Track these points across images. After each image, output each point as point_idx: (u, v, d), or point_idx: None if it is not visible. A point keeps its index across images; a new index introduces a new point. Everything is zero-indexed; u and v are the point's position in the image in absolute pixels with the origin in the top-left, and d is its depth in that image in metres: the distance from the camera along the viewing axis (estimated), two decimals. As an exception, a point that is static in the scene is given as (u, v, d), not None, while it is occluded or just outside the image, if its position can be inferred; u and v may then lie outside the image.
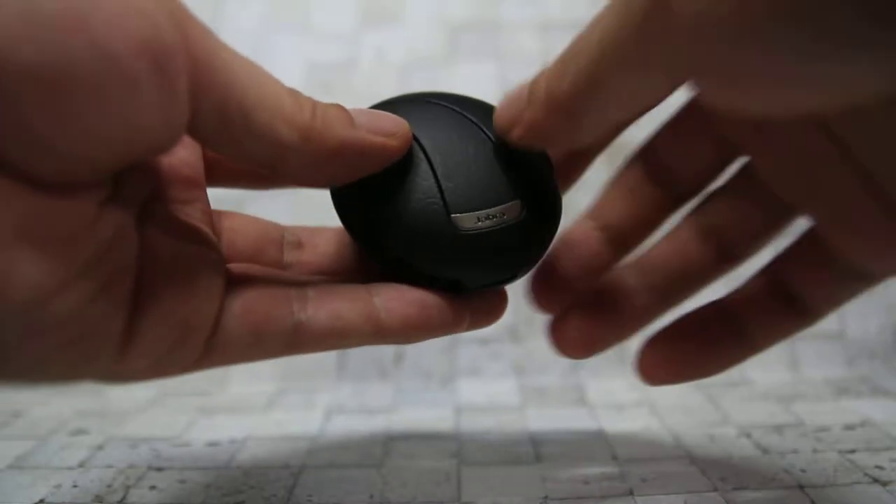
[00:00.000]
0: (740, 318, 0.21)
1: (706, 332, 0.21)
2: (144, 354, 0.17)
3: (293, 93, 0.17)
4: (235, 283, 0.19)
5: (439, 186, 0.19)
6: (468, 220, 0.19)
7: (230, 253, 0.22)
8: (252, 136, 0.16)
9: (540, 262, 0.21)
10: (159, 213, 0.18)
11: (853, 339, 0.39)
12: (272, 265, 0.22)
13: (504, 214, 0.19)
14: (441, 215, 0.19)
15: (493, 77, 0.46)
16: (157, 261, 0.17)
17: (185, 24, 0.14)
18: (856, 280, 0.19)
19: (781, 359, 0.38)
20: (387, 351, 0.39)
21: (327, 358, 0.39)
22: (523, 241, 0.20)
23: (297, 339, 0.19)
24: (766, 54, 0.12)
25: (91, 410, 0.34)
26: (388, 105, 0.21)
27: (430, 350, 0.39)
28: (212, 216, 0.21)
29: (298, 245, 0.23)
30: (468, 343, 0.39)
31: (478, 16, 0.48)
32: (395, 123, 0.19)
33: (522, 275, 0.21)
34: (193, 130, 0.16)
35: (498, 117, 0.19)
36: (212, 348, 0.18)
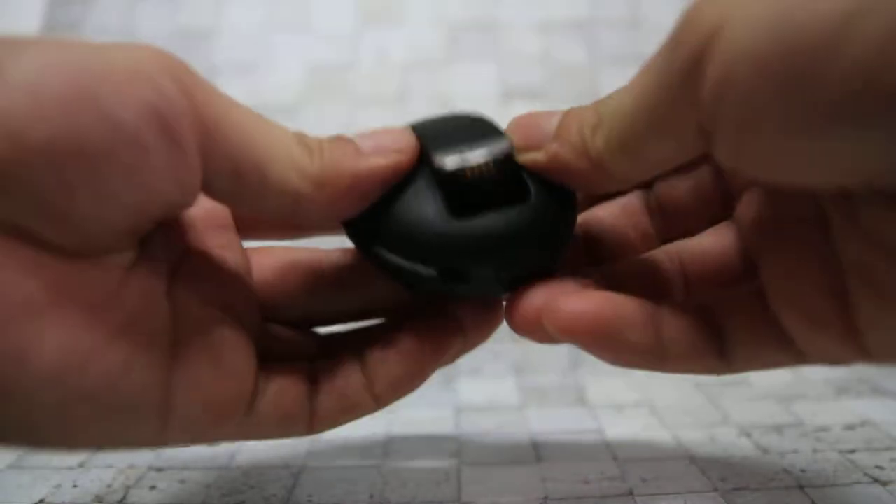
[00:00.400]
0: (660, 325, 0.18)
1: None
2: (182, 423, 0.17)
3: (300, 139, 0.17)
4: (265, 352, 0.20)
5: (428, 154, 0.18)
6: (451, 161, 0.18)
7: (265, 295, 0.22)
8: (266, 190, 0.16)
9: (559, 246, 0.19)
10: (193, 269, 0.18)
11: (853, 339, 0.39)
12: (299, 307, 0.22)
13: (493, 154, 0.18)
14: (443, 212, 0.18)
15: (493, 77, 0.46)
16: (192, 323, 0.17)
17: (192, 87, 0.15)
18: (782, 349, 0.17)
19: (781, 359, 0.38)
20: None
21: (327, 358, 0.39)
22: (530, 212, 0.18)
23: (316, 421, 0.20)
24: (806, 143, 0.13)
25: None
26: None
27: (430, 350, 0.39)
28: (248, 259, 0.21)
29: (329, 282, 0.23)
30: (468, 343, 0.39)
31: (478, 16, 0.48)
32: (400, 137, 0.19)
33: (541, 260, 0.19)
34: (207, 189, 0.16)
35: (515, 130, 0.19)
36: (243, 423, 0.19)
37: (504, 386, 0.37)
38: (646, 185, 0.22)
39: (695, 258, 0.20)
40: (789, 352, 0.17)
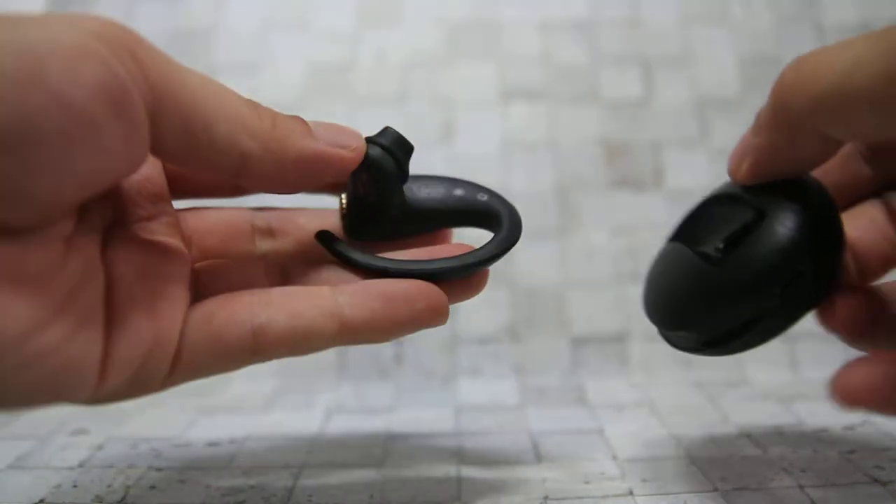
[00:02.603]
0: None
1: None
2: (119, 377, 0.17)
3: (252, 104, 0.18)
4: (200, 294, 0.20)
5: None
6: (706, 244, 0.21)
7: (199, 254, 0.22)
8: (215, 148, 0.17)
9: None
10: (123, 237, 0.18)
11: (853, 339, 0.39)
12: (243, 259, 0.22)
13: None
14: None
15: (493, 77, 0.46)
16: (124, 285, 0.17)
17: (140, 55, 0.15)
18: None
19: (781, 359, 0.38)
20: (387, 351, 0.39)
21: (327, 358, 0.39)
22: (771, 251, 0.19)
23: (260, 344, 0.19)
24: None
25: (91, 410, 0.34)
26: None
27: (430, 350, 0.39)
28: (179, 225, 0.21)
29: (269, 232, 0.23)
30: (468, 343, 0.39)
31: (478, 16, 0.48)
32: (352, 137, 0.20)
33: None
34: (157, 151, 0.16)
35: (730, 162, 0.21)
36: (179, 362, 0.18)
37: (504, 386, 0.37)
38: (877, 195, 0.22)
39: None
40: None
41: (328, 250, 0.22)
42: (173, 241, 0.20)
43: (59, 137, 0.14)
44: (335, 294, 0.19)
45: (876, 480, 0.24)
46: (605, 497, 0.24)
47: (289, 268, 0.22)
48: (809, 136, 0.18)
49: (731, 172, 0.21)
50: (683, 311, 0.21)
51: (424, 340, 0.39)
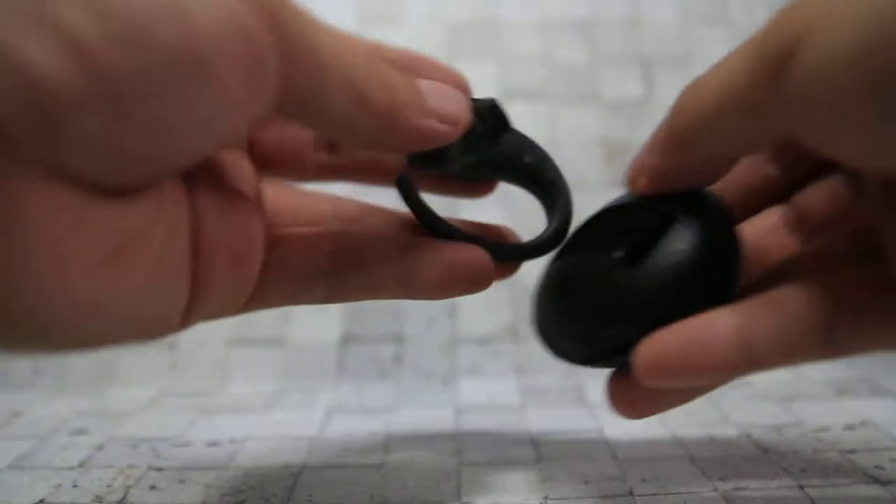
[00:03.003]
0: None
1: None
2: (197, 320, 0.18)
3: (376, 69, 0.17)
4: (275, 242, 0.20)
5: None
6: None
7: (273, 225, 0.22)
8: (327, 117, 0.16)
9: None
10: (207, 183, 0.18)
11: (853, 339, 0.39)
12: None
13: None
14: None
15: (493, 77, 0.46)
16: (207, 232, 0.17)
17: (281, 20, 0.14)
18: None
19: (781, 359, 0.38)
20: (387, 351, 0.39)
21: (327, 358, 0.39)
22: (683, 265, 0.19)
23: (332, 291, 0.20)
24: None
25: (91, 410, 0.34)
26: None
27: (430, 350, 0.39)
28: (258, 183, 0.21)
29: (349, 221, 0.23)
30: (468, 343, 0.39)
31: (478, 16, 0.48)
32: (461, 108, 0.19)
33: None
34: (277, 112, 0.16)
35: (628, 174, 0.21)
36: (254, 299, 0.20)
37: (504, 386, 0.37)
38: (781, 200, 0.23)
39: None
40: (829, 348, 0.17)
41: (403, 197, 0.21)
42: (253, 194, 0.20)
43: (195, 109, 0.13)
44: (404, 253, 0.20)
45: (876, 480, 0.24)
46: (604, 497, 0.24)
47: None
48: (699, 156, 0.19)
49: (630, 183, 0.21)
50: (585, 319, 0.20)
51: (424, 340, 0.39)
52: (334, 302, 0.21)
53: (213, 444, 0.30)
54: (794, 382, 0.37)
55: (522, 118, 0.45)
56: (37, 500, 0.24)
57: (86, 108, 0.12)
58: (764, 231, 0.23)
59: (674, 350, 0.18)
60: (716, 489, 0.24)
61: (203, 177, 0.18)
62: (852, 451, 0.27)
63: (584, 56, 0.47)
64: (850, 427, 0.30)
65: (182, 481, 0.26)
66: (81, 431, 0.31)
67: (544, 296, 0.22)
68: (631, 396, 0.20)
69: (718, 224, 0.20)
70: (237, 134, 0.15)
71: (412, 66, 0.22)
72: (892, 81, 0.13)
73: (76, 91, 0.12)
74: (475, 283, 0.21)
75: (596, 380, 0.37)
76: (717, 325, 0.18)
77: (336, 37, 0.16)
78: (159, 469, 0.27)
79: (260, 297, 0.20)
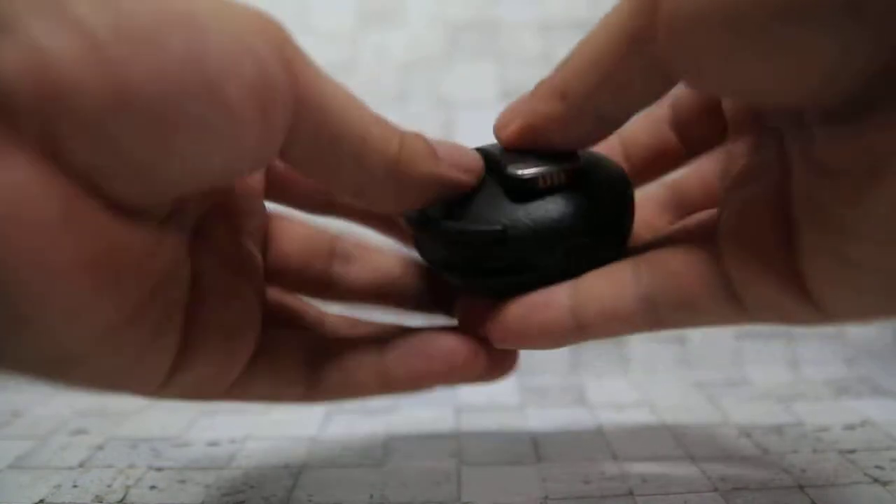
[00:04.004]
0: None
1: None
2: (181, 388, 0.17)
3: (382, 124, 0.17)
4: (266, 323, 0.20)
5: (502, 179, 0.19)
6: (524, 170, 0.18)
7: (272, 262, 0.22)
8: (341, 167, 0.16)
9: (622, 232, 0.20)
10: (213, 233, 0.18)
11: (853, 339, 0.39)
12: (316, 280, 0.23)
13: (563, 166, 0.19)
14: (492, 171, 0.19)
15: (493, 77, 0.46)
16: (206, 293, 0.17)
17: (291, 58, 0.15)
18: (728, 303, 0.17)
19: (781, 359, 0.38)
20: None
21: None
22: (592, 201, 0.19)
23: (311, 393, 0.20)
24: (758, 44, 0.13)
25: (91, 410, 0.34)
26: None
27: (430, 350, 0.39)
28: (267, 228, 0.21)
29: (348, 259, 0.23)
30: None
31: (478, 16, 0.48)
32: (474, 159, 0.19)
33: (574, 248, 0.19)
34: (284, 157, 0.16)
35: (498, 119, 0.19)
36: (238, 385, 0.19)
37: (504, 386, 0.37)
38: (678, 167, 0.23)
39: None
40: (733, 306, 0.17)
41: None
42: (256, 252, 0.20)
43: (201, 128, 0.13)
44: (382, 350, 0.20)
45: (876, 480, 0.24)
46: (604, 497, 0.24)
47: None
48: (581, 107, 0.17)
49: (498, 129, 0.19)
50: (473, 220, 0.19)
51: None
52: (313, 401, 0.20)
53: (213, 444, 0.30)
54: (794, 382, 0.37)
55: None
56: (37, 500, 0.24)
57: (91, 98, 0.12)
58: (651, 121, 0.23)
59: (513, 318, 0.19)
60: (716, 489, 0.24)
61: (212, 243, 0.18)
62: (852, 451, 0.27)
63: (584, 56, 0.47)
64: (850, 427, 0.30)
65: (182, 481, 0.26)
66: (81, 431, 0.31)
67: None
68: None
69: (621, 187, 0.20)
70: (241, 167, 0.15)
71: None
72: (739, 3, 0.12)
73: (85, 80, 0.12)
74: (458, 372, 0.20)
75: (596, 380, 0.37)
76: (555, 294, 0.19)
77: (344, 90, 0.16)
78: (159, 469, 0.27)
79: (243, 386, 0.19)
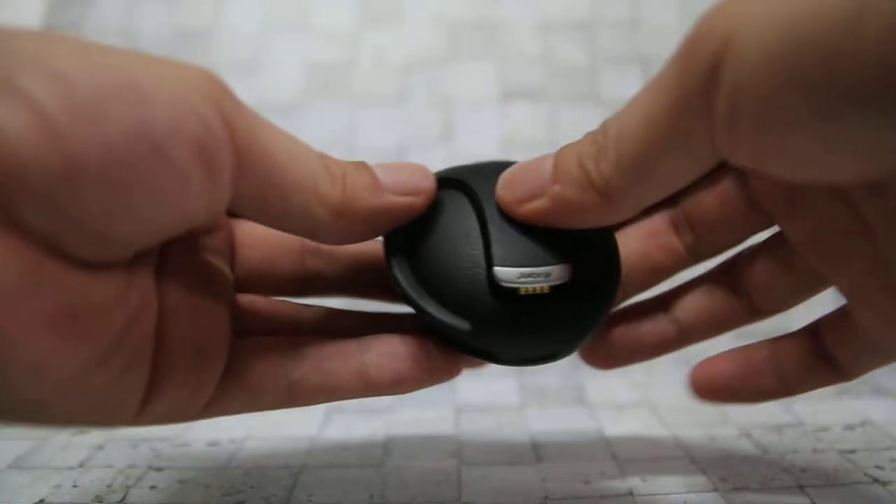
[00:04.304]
0: (782, 364, 0.21)
1: (752, 369, 0.22)
2: (155, 415, 0.18)
3: (325, 165, 0.17)
4: (237, 333, 0.20)
5: (487, 244, 0.19)
6: (508, 275, 0.18)
7: (242, 269, 0.22)
8: (288, 216, 0.17)
9: (587, 338, 0.20)
10: (178, 260, 0.18)
11: (853, 339, 0.39)
12: (290, 279, 0.23)
13: (549, 275, 0.18)
14: (482, 269, 0.18)
15: (493, 77, 0.46)
16: (174, 324, 0.17)
17: (232, 115, 0.15)
18: (880, 354, 0.20)
19: (781, 359, 0.38)
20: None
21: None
22: (565, 310, 0.19)
23: (293, 397, 0.20)
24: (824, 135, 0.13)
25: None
26: (455, 171, 0.21)
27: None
28: (232, 238, 0.21)
29: (319, 253, 0.23)
30: (468, 343, 0.39)
31: (478, 16, 0.48)
32: (420, 179, 0.19)
33: (566, 352, 0.20)
34: (234, 209, 0.16)
35: (506, 188, 0.19)
36: (214, 403, 0.19)
37: (504, 386, 0.37)
38: (669, 203, 0.22)
39: (753, 283, 0.22)
40: (885, 354, 0.19)
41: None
42: (222, 266, 0.20)
43: (152, 186, 0.14)
44: (362, 351, 0.20)
45: (876, 480, 0.24)
46: (604, 497, 0.24)
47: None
48: (624, 199, 0.17)
49: (512, 204, 0.19)
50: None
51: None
52: (296, 405, 0.20)
53: (213, 444, 0.30)
54: (794, 382, 0.37)
55: (522, 118, 0.45)
56: (37, 500, 0.24)
57: (44, 171, 0.13)
58: (645, 234, 0.22)
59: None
60: (716, 489, 0.24)
61: (177, 270, 0.18)
62: (852, 451, 0.27)
63: (584, 56, 0.47)
64: (850, 427, 0.30)
65: (182, 481, 0.26)
66: (81, 431, 0.31)
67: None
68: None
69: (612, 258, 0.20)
70: (193, 220, 0.16)
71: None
72: (819, 83, 0.12)
73: (37, 154, 0.12)
74: (434, 373, 0.20)
75: (596, 380, 0.37)
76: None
77: (285, 137, 0.17)
78: (159, 469, 0.27)
79: (219, 402, 0.19)
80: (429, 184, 0.19)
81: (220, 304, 0.19)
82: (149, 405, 0.17)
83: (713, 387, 0.22)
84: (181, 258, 0.18)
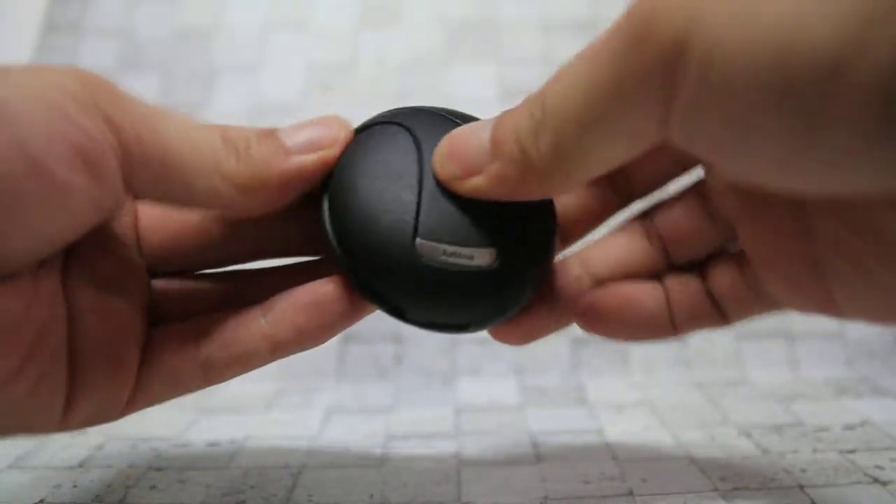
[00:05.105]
0: (670, 301, 0.21)
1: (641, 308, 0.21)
2: (80, 417, 0.18)
3: (226, 138, 0.17)
4: (154, 321, 0.20)
5: (418, 205, 0.18)
6: (431, 251, 0.18)
7: (151, 251, 0.21)
8: (194, 198, 0.17)
9: (506, 317, 0.20)
10: (82, 253, 0.18)
11: (853, 339, 0.39)
12: (199, 252, 0.22)
13: (472, 258, 0.18)
14: (406, 236, 0.18)
15: (492, 77, 0.46)
16: (85, 325, 0.17)
17: (112, 112, 0.15)
18: (768, 305, 0.20)
19: (781, 359, 0.38)
20: (386, 351, 0.39)
21: (327, 358, 0.39)
22: (484, 292, 0.19)
23: (209, 375, 0.19)
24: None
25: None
26: (393, 114, 0.21)
27: (430, 350, 0.39)
28: (136, 222, 0.21)
29: (220, 220, 0.22)
30: (468, 343, 0.39)
31: (478, 16, 0.48)
32: (330, 131, 0.19)
33: (478, 327, 0.20)
34: (135, 196, 0.16)
35: (443, 163, 0.18)
36: (135, 397, 0.19)
37: (504, 386, 0.37)
38: (642, 217, 0.22)
39: (671, 230, 0.21)
40: (771, 306, 0.20)
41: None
42: (132, 255, 0.20)
43: (40, 202, 0.14)
44: (265, 312, 0.20)
45: (876, 480, 0.24)
46: (604, 497, 0.24)
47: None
48: (567, 168, 0.16)
49: (450, 179, 0.18)
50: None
51: (424, 340, 0.39)
52: (213, 383, 0.20)
53: (213, 444, 0.30)
54: (794, 382, 0.37)
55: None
56: (37, 500, 0.24)
57: None
58: (631, 249, 0.22)
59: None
60: (716, 489, 0.24)
61: (84, 270, 0.18)
62: (852, 451, 0.27)
63: (584, 56, 0.47)
64: (850, 427, 0.30)
65: (182, 481, 0.26)
66: (81, 431, 0.31)
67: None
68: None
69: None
70: (90, 220, 0.15)
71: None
72: (808, 90, 0.11)
73: None
74: (343, 322, 0.20)
75: (596, 380, 0.37)
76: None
77: (177, 118, 0.16)
78: (159, 469, 0.27)
79: (141, 394, 0.19)
80: (342, 133, 0.19)
81: (131, 299, 0.19)
82: (72, 409, 0.17)
83: (598, 316, 0.21)
84: (88, 255, 0.18)
